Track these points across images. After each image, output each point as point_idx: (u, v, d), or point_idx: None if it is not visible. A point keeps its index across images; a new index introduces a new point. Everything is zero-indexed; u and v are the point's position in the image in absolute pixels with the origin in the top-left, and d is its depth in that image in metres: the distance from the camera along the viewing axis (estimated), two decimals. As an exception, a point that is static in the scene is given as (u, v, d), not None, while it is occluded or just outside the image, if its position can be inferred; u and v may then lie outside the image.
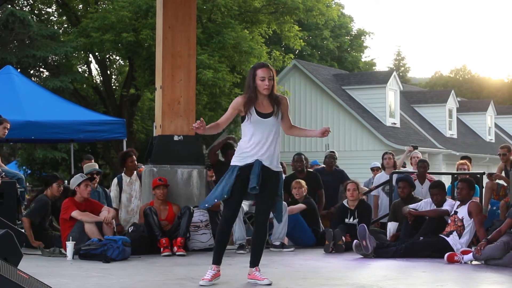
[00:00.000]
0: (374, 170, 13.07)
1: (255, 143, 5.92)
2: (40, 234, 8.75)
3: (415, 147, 12.32)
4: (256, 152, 5.91)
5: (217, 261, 5.99)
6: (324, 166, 11.62)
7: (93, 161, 11.40)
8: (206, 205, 6.20)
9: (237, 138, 10.34)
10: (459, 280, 6.71)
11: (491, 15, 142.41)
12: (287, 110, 6.11)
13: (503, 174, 10.59)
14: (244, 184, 5.88)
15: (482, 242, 7.66)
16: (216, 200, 6.01)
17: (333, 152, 11.66)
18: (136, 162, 10.05)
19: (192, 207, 8.61)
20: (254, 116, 5.93)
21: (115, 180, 9.90)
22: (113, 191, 9.82)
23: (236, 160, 5.98)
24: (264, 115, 5.96)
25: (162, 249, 8.11)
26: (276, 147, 6.00)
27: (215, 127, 5.97)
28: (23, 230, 8.47)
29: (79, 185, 8.36)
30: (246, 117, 5.95)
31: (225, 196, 5.89)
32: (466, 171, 11.05)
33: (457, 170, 11.34)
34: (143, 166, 10.13)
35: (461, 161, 11.49)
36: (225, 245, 6.07)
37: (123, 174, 9.89)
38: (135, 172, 9.96)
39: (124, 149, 14.64)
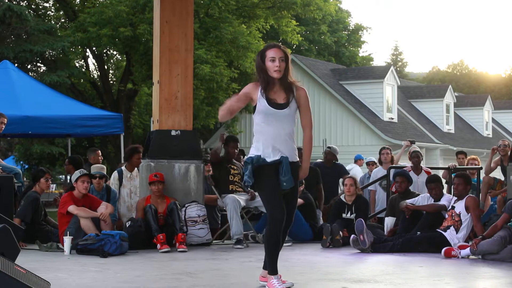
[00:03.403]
0: (369, 164, 13.18)
1: (271, 137, 5.22)
2: (36, 229, 8.73)
3: (412, 142, 12.33)
4: (277, 147, 5.21)
5: (276, 270, 5.22)
6: (322, 161, 11.65)
7: (100, 158, 11.25)
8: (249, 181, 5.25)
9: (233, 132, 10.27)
10: (456, 274, 6.72)
11: (488, 11, 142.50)
12: (306, 103, 5.34)
13: (498, 168, 10.62)
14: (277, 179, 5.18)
15: (477, 238, 7.67)
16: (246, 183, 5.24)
17: (330, 147, 11.69)
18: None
19: (177, 202, 8.55)
20: (266, 107, 5.21)
21: (115, 174, 9.72)
22: (113, 184, 9.63)
23: (256, 151, 5.24)
24: (277, 106, 5.24)
25: (159, 245, 8.08)
26: (293, 141, 5.33)
27: (230, 112, 5.14)
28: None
29: (76, 180, 8.36)
30: (257, 106, 5.24)
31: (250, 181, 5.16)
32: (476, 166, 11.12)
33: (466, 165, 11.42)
34: None
35: (473, 156, 11.65)
36: (279, 250, 5.27)
37: (123, 168, 9.75)
38: (136, 168, 9.85)
39: (122, 144, 14.67)
